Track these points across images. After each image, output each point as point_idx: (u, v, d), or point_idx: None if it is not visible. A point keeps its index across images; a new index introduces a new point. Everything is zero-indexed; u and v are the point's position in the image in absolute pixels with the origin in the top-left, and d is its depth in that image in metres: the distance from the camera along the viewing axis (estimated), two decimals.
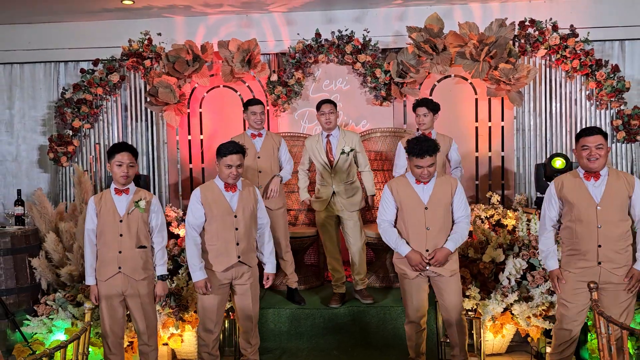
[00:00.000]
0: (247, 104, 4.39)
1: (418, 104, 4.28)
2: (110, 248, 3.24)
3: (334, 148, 4.33)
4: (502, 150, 5.46)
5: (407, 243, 3.33)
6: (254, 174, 4.33)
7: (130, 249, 3.26)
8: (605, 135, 3.09)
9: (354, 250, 4.36)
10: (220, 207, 3.34)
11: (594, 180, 3.08)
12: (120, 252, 3.24)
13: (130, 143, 5.63)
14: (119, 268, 3.23)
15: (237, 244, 3.34)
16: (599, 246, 3.03)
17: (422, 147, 3.19)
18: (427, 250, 3.29)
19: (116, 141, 5.65)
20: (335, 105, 4.35)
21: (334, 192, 4.29)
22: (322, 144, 4.35)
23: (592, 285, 2.58)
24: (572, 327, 3.19)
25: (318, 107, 4.33)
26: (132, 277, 3.27)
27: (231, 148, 3.27)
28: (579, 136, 3.13)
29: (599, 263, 3.04)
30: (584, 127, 5.27)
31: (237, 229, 3.34)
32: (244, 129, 5.59)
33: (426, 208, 3.29)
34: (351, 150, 4.28)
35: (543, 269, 3.89)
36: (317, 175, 4.44)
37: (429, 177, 3.28)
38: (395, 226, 3.42)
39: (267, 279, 3.55)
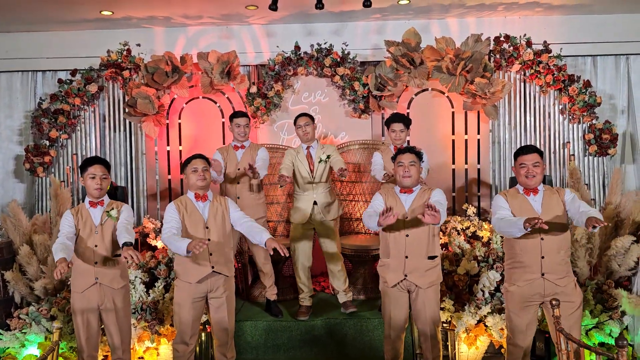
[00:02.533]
0: (231, 117, 4.47)
1: (393, 119, 4.33)
2: (85, 259, 3.24)
3: (314, 159, 4.39)
4: (478, 162, 5.54)
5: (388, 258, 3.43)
6: (233, 185, 4.36)
7: (106, 259, 3.25)
8: (541, 153, 3.24)
9: (334, 259, 4.40)
10: (193, 218, 3.37)
11: (533, 195, 3.23)
12: (96, 262, 3.23)
13: (108, 153, 5.65)
14: (96, 279, 3.23)
15: (211, 254, 3.36)
16: (542, 257, 3.15)
17: (406, 147, 3.45)
18: (406, 257, 3.33)
19: (94, 152, 5.62)
20: (311, 118, 4.43)
21: (315, 202, 4.33)
22: (303, 155, 4.42)
23: (554, 302, 2.65)
24: (522, 340, 3.29)
25: (295, 121, 4.42)
26: (111, 286, 3.27)
27: (194, 155, 3.49)
28: (517, 154, 3.27)
29: (543, 274, 3.15)
30: (557, 140, 5.43)
31: (209, 239, 3.36)
32: (223, 141, 5.62)
33: (406, 218, 3.36)
34: (328, 157, 4.34)
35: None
36: (295, 187, 4.47)
37: (410, 179, 3.36)
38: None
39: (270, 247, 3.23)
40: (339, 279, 4.41)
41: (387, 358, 3.63)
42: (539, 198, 3.22)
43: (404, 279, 3.36)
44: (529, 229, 2.90)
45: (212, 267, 3.37)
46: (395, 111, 5.30)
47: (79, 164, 5.55)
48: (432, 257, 3.38)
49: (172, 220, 3.35)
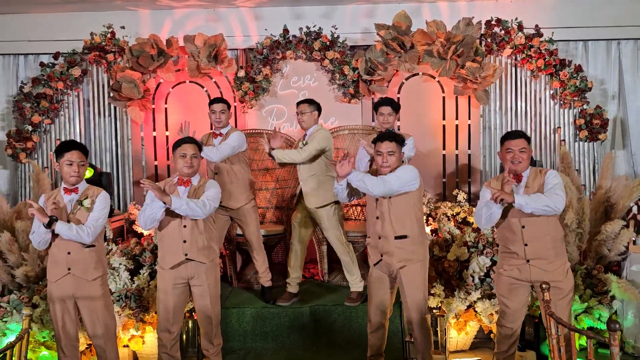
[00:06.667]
0: (209, 103, 4.36)
1: (382, 102, 4.26)
2: (59, 249, 3.13)
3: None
4: (469, 148, 5.50)
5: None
6: (211, 175, 4.27)
7: (78, 249, 3.13)
8: (528, 138, 3.19)
9: (335, 248, 4.30)
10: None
11: (516, 183, 3.16)
12: (69, 252, 3.12)
13: (92, 139, 5.55)
14: (69, 269, 3.13)
15: (184, 242, 3.28)
16: (526, 245, 3.12)
17: (385, 134, 3.32)
18: (379, 238, 3.33)
19: (78, 137, 5.51)
20: (311, 104, 4.26)
21: (301, 190, 4.26)
22: (298, 143, 4.33)
23: (544, 285, 2.61)
24: (512, 323, 3.28)
25: (296, 105, 4.32)
26: (84, 277, 3.15)
27: (185, 139, 3.38)
28: (503, 139, 3.22)
29: (528, 261, 3.12)
30: (547, 125, 5.40)
31: (185, 226, 3.27)
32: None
33: (377, 200, 3.33)
34: (305, 144, 4.20)
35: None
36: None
37: (389, 168, 3.27)
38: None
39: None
40: (344, 268, 4.30)
41: (369, 344, 3.59)
42: (521, 185, 3.16)
43: (381, 259, 3.36)
44: (499, 203, 3.03)
45: (186, 255, 3.29)
46: (386, 95, 5.24)
47: None
48: (399, 237, 3.30)
49: (147, 204, 3.25)
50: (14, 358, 2.26)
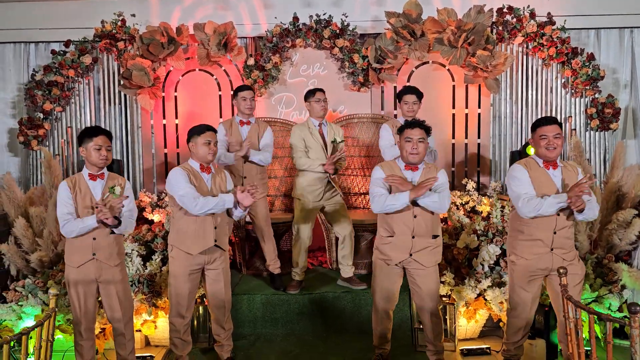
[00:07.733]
0: (237, 90, 4.35)
1: (406, 91, 4.23)
2: (84, 234, 3.15)
3: (327, 138, 4.30)
4: (479, 137, 5.47)
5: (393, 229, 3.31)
6: (239, 164, 4.24)
7: (105, 235, 3.17)
8: (561, 124, 3.16)
9: (345, 235, 4.33)
10: (202, 188, 3.31)
11: (552, 169, 3.14)
12: (94, 238, 3.15)
13: (103, 127, 5.54)
14: (93, 254, 3.16)
15: (215, 228, 3.33)
16: (555, 233, 3.11)
17: (416, 121, 3.27)
18: (412, 237, 3.24)
19: (89, 125, 5.53)
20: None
21: (328, 182, 4.24)
22: (316, 132, 4.28)
23: (561, 270, 2.62)
24: (526, 313, 3.27)
25: (312, 93, 4.27)
26: (107, 263, 3.19)
27: (207, 126, 3.36)
28: (536, 125, 3.17)
29: (552, 249, 3.12)
30: (558, 114, 5.36)
31: (214, 213, 3.30)
32: (220, 114, 5.53)
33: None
34: (341, 141, 4.28)
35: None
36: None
37: (418, 155, 3.21)
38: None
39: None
40: (346, 254, 4.35)
41: (375, 333, 3.60)
42: (558, 173, 3.14)
43: (409, 257, 3.28)
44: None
45: (215, 241, 3.34)
46: (395, 84, 5.24)
47: (74, 136, 5.48)
48: (435, 236, 3.30)
49: (187, 186, 3.21)
50: (42, 336, 2.30)
